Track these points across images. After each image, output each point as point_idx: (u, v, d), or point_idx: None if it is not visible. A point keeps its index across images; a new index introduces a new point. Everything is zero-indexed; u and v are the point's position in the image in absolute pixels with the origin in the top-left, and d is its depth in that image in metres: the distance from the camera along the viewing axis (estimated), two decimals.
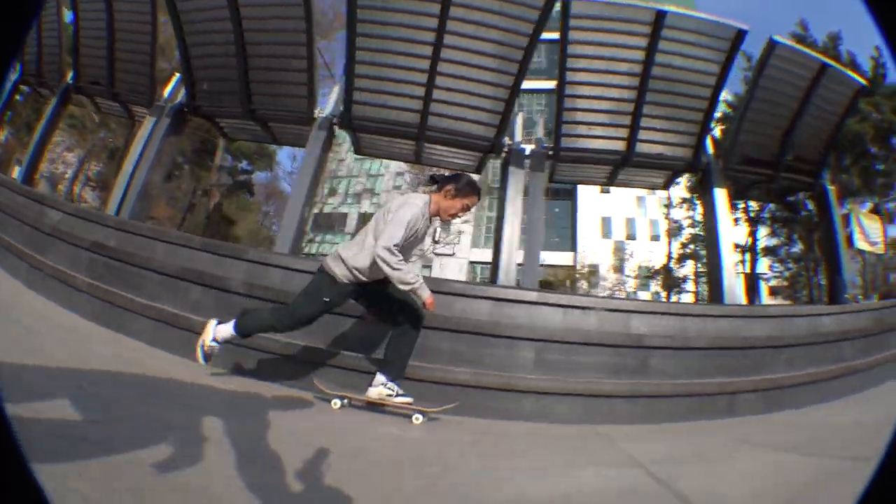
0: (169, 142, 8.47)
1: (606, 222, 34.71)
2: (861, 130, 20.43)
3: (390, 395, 2.87)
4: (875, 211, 18.58)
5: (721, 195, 8.13)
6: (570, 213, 35.89)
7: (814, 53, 8.39)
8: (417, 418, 2.79)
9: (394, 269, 2.61)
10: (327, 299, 2.73)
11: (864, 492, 0.61)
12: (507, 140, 7.95)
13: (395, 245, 2.60)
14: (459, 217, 2.87)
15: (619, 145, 7.95)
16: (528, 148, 7.96)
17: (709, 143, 8.69)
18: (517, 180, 7.69)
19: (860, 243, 13.54)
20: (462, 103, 7.43)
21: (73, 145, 22.74)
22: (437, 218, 2.95)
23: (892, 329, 5.42)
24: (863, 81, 8.66)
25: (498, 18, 6.70)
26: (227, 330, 2.79)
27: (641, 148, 8.16)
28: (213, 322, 2.86)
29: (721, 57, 7.34)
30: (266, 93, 7.92)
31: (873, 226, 13.18)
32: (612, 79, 7.59)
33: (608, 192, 33.98)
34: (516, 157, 7.92)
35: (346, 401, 2.92)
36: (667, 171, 8.73)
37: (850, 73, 8.89)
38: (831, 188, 9.09)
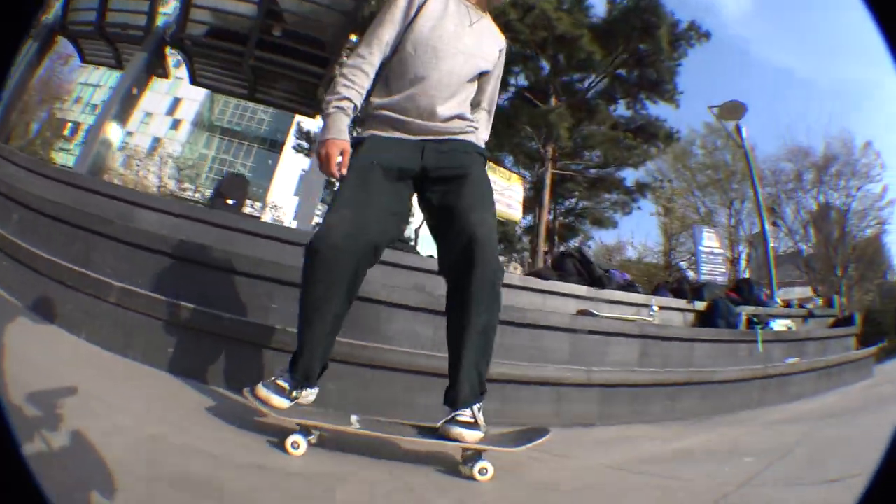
0: None
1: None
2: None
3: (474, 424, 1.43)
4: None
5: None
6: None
7: None
8: (485, 470, 1.37)
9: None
10: (342, 173, 1.51)
11: (865, 492, 0.61)
12: None
13: (358, 57, 1.58)
14: None
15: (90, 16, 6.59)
16: None
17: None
18: None
19: None
20: None
21: None
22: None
23: None
24: None
25: None
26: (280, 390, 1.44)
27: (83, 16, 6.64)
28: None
29: None
30: None
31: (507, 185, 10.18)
32: None
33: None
34: None
35: (313, 436, 1.43)
36: (124, 43, 6.99)
37: None
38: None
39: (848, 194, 20.54)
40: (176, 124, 41.87)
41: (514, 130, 15.50)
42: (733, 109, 9.93)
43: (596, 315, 3.37)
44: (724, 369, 3.16)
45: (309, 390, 1.50)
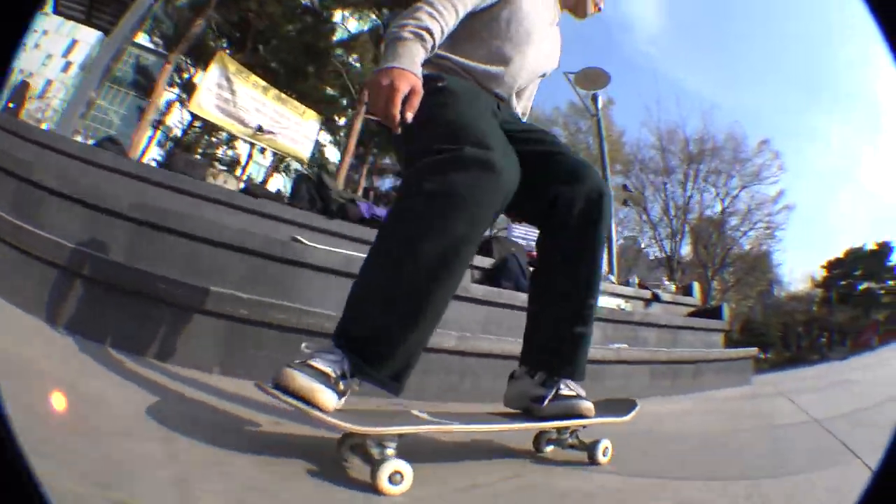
0: None
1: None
2: None
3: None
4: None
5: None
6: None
7: None
8: (608, 449, 1.21)
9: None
10: (407, 118, 1.04)
11: (865, 492, 0.66)
12: None
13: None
14: None
15: None
16: None
17: None
18: None
19: (196, 107, 7.89)
20: None
21: None
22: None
23: None
24: None
25: None
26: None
27: None
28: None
29: None
30: None
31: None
32: None
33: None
34: None
35: (393, 445, 0.88)
36: None
37: None
38: None
39: (727, 193, 19.18)
40: (67, 67, 40.08)
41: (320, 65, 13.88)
42: (594, 78, 8.40)
43: (303, 243, 2.49)
44: (478, 339, 2.14)
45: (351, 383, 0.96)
